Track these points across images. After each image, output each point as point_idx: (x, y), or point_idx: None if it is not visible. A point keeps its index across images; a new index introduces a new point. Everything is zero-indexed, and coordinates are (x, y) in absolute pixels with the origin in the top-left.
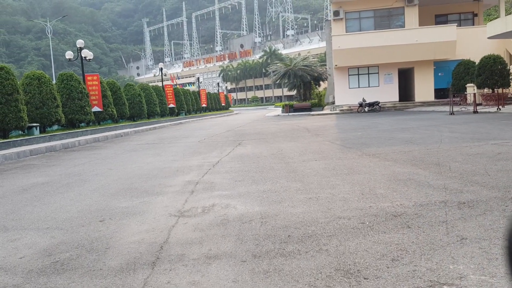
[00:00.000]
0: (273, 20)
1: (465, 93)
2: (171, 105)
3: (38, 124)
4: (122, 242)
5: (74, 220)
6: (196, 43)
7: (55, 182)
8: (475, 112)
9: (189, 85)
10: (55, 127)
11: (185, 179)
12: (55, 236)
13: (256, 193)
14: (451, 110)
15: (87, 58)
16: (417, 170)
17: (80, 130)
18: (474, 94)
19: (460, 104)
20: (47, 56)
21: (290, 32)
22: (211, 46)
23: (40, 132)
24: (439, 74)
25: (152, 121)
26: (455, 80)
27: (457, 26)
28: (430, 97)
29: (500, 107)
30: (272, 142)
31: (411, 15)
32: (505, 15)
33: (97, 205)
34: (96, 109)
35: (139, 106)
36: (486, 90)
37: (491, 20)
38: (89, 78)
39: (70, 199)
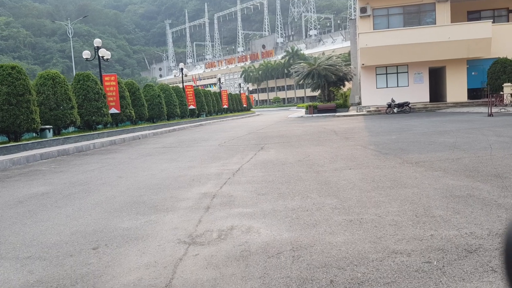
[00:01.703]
0: (296, 20)
1: (502, 93)
2: (192, 106)
3: (51, 126)
4: (113, 284)
5: (63, 246)
6: (218, 44)
7: (56, 193)
8: None
9: (210, 86)
10: (71, 129)
11: (200, 191)
12: (34, 270)
13: (283, 211)
14: (489, 111)
15: (104, 57)
16: (475, 184)
17: (96, 132)
18: None
19: (496, 105)
20: (71, 58)
21: (312, 32)
22: (233, 47)
23: (54, 134)
24: (473, 73)
25: (172, 122)
26: (490, 80)
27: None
28: (463, 97)
29: None
30: (297, 147)
31: (443, 11)
32: None
33: (95, 224)
34: (113, 110)
35: (159, 107)
36: None
37: None
38: (106, 78)
39: (67, 215)
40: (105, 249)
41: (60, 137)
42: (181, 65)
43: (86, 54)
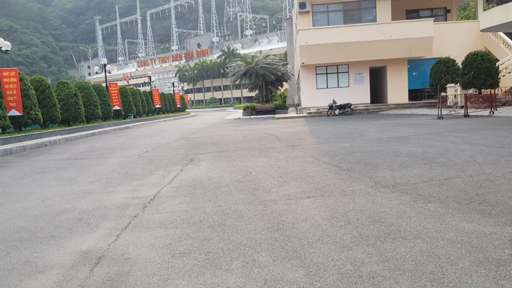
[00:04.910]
0: (231, 20)
1: (445, 94)
2: (116, 107)
3: None
4: None
5: None
6: (151, 42)
7: None
8: (466, 116)
9: (143, 85)
10: None
11: (81, 246)
12: None
13: None
14: (439, 113)
15: (3, 49)
16: (505, 230)
17: None
18: (465, 95)
19: (438, 107)
20: None
21: (248, 32)
22: (167, 45)
23: None
24: (413, 73)
25: (92, 125)
26: (433, 80)
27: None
28: (404, 98)
29: (493, 110)
30: (235, 158)
31: (383, 9)
32: (483, 10)
33: None
34: (13, 112)
35: (75, 108)
36: (471, 91)
37: (461, 18)
38: (5, 74)
39: None
40: None
41: None
42: (104, 61)
43: None
